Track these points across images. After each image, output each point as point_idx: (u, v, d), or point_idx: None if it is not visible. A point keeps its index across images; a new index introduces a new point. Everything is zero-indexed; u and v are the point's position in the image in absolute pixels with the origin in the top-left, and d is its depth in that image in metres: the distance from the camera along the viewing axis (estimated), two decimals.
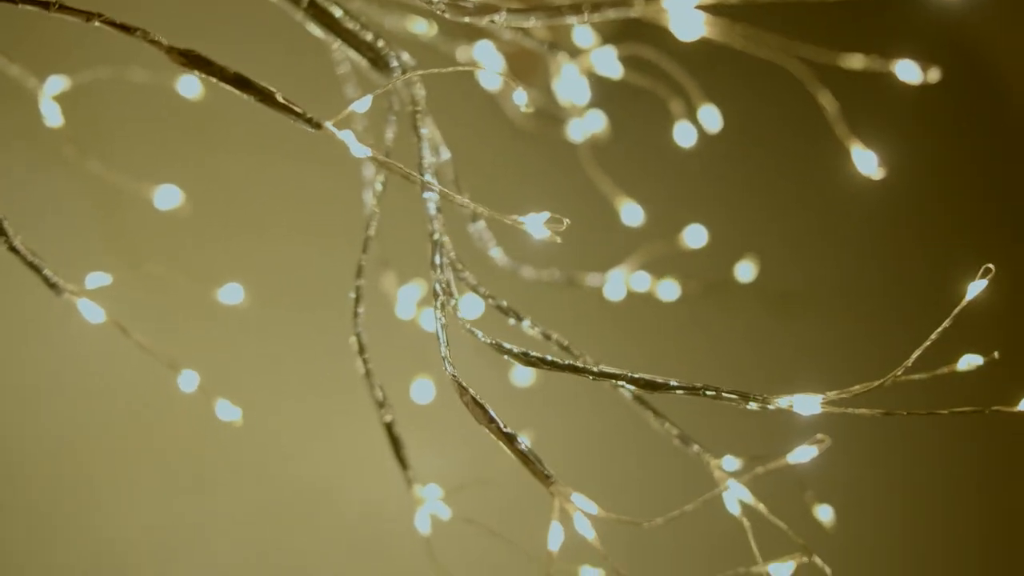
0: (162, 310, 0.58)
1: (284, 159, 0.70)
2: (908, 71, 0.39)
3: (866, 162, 0.42)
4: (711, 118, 0.55)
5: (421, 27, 0.55)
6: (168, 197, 0.55)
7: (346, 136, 0.36)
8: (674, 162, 0.61)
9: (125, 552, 0.64)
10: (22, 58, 0.52)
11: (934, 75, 0.39)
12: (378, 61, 0.44)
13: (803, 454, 0.37)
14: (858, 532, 0.71)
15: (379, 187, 0.43)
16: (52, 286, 0.44)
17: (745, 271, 0.64)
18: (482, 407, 0.36)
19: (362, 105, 0.38)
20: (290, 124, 0.37)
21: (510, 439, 0.37)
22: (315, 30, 0.44)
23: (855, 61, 0.43)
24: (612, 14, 0.33)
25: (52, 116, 0.52)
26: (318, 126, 0.37)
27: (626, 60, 0.54)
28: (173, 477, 0.66)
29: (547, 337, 0.43)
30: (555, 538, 0.35)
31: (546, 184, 0.73)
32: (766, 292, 0.73)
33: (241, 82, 0.36)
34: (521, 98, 0.36)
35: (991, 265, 0.38)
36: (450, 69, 0.39)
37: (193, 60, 0.37)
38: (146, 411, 0.67)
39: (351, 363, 0.43)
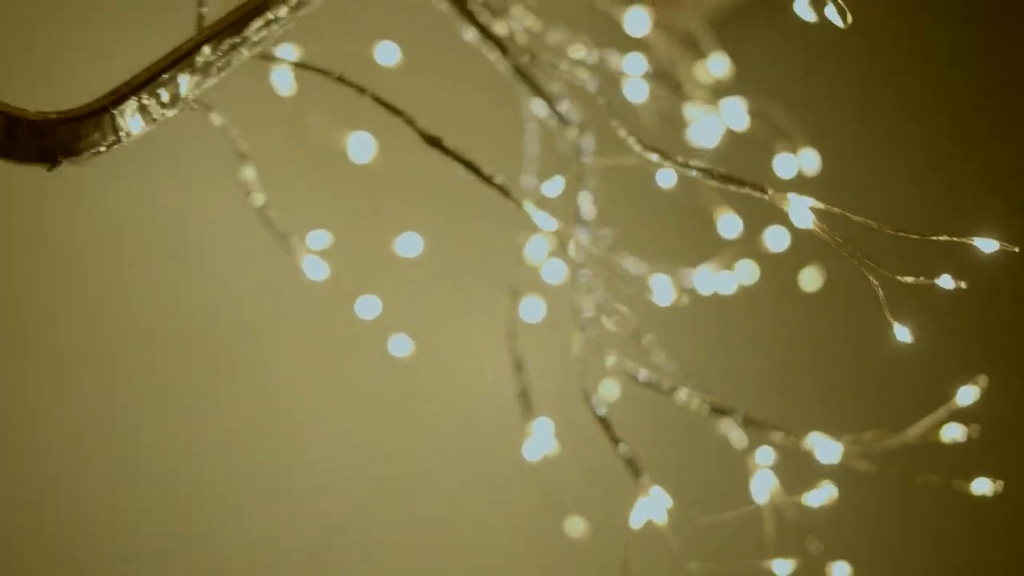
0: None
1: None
2: None
3: None
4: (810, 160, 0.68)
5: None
6: (363, 149, 0.68)
7: (538, 217, 0.50)
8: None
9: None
10: None
11: None
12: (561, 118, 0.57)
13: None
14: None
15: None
16: (287, 246, 0.59)
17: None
18: (606, 424, 0.52)
19: (554, 188, 0.51)
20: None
21: (615, 440, 0.53)
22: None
23: None
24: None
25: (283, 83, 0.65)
26: (507, 195, 0.50)
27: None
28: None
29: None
30: (637, 518, 0.51)
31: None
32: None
33: (468, 166, 0.50)
34: None
35: (985, 376, 0.52)
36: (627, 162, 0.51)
37: (434, 143, 0.50)
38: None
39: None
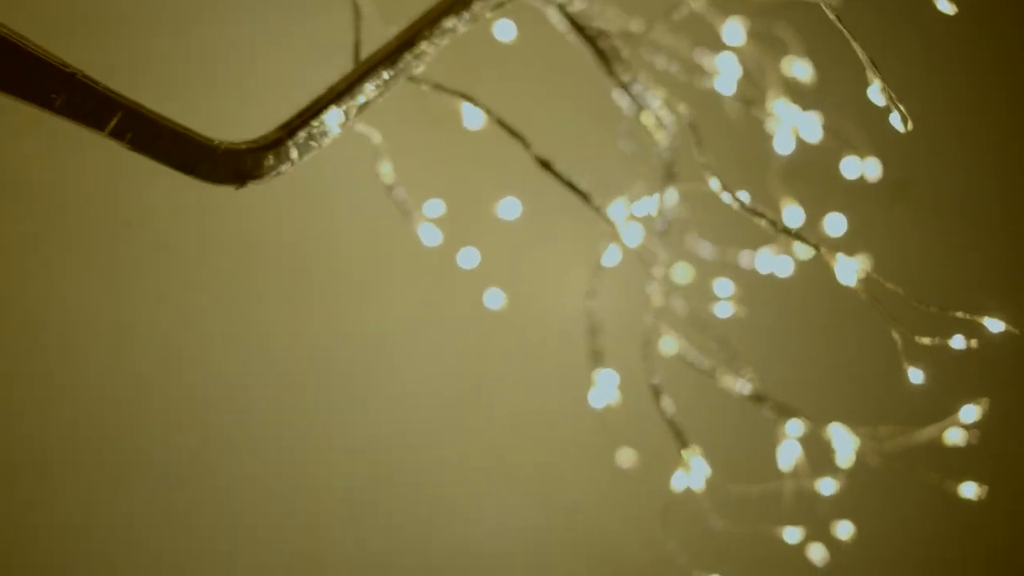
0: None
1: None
2: None
3: None
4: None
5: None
6: (474, 118, 0.77)
7: (626, 232, 0.59)
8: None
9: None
10: None
11: None
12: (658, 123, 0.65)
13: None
14: None
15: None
16: (405, 212, 0.69)
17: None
18: (657, 392, 0.62)
19: (643, 201, 0.60)
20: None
21: (663, 410, 0.63)
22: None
23: None
24: None
25: None
26: (601, 215, 0.59)
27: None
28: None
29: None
30: (679, 483, 0.62)
31: None
32: None
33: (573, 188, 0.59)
34: None
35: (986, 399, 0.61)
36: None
37: (546, 166, 0.59)
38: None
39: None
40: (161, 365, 0.86)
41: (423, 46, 0.56)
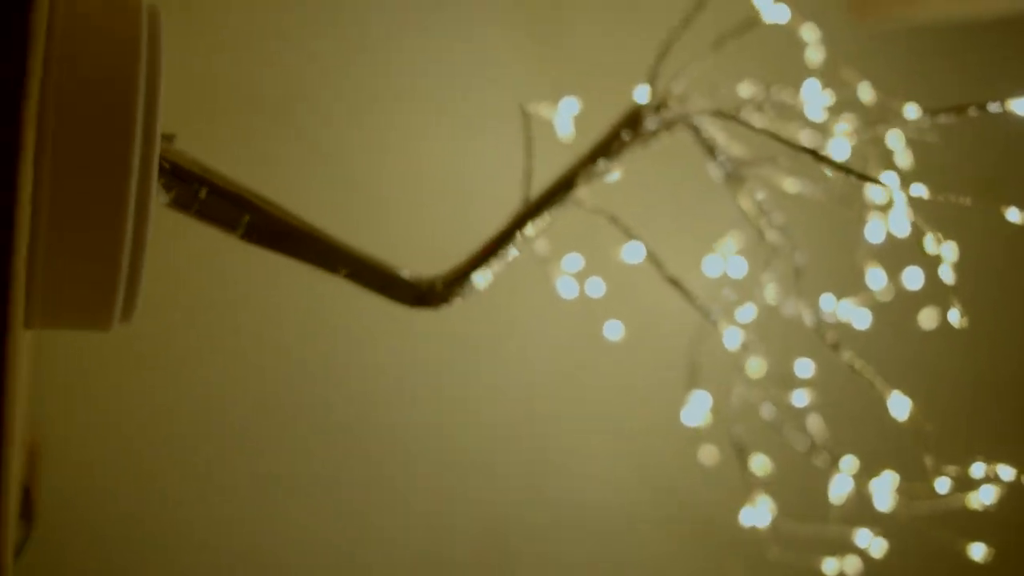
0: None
1: None
2: None
3: None
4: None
5: None
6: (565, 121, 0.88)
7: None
8: None
9: None
10: None
11: None
12: None
13: None
14: None
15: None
16: (544, 268, 0.83)
17: None
18: (740, 450, 0.78)
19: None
20: None
21: (743, 462, 0.79)
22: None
23: None
24: None
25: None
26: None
27: None
28: None
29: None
30: (746, 518, 0.79)
31: None
32: None
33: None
34: None
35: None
36: None
37: (674, 284, 0.72)
38: None
39: None
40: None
41: (579, 185, 0.69)
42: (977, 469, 0.69)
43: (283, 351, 0.96)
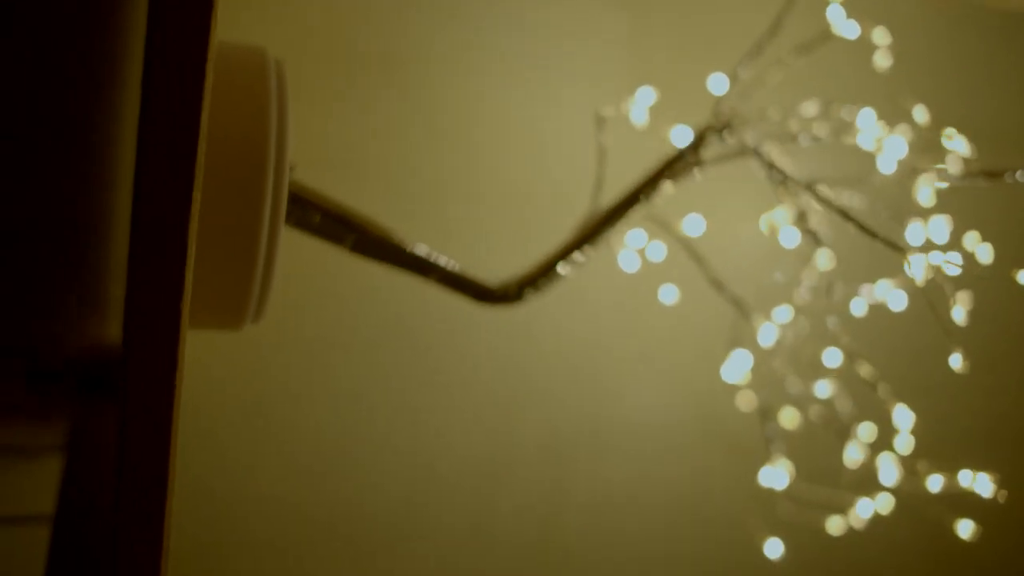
0: None
1: None
2: None
3: None
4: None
5: None
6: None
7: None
8: None
9: None
10: None
11: None
12: None
13: None
14: None
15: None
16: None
17: None
18: (763, 413, 0.89)
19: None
20: None
21: (764, 427, 0.91)
22: None
23: None
24: None
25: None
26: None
27: None
28: None
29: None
30: (764, 479, 0.91)
31: None
32: None
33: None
34: None
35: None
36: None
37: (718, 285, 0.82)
38: None
39: None
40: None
41: (642, 203, 0.78)
42: (965, 477, 0.79)
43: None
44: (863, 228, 0.69)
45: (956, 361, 0.72)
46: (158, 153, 0.45)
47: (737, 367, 0.96)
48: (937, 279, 0.69)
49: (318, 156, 1.01)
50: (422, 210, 1.06)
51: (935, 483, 0.82)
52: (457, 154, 1.07)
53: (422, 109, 1.04)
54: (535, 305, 1.11)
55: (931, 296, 0.69)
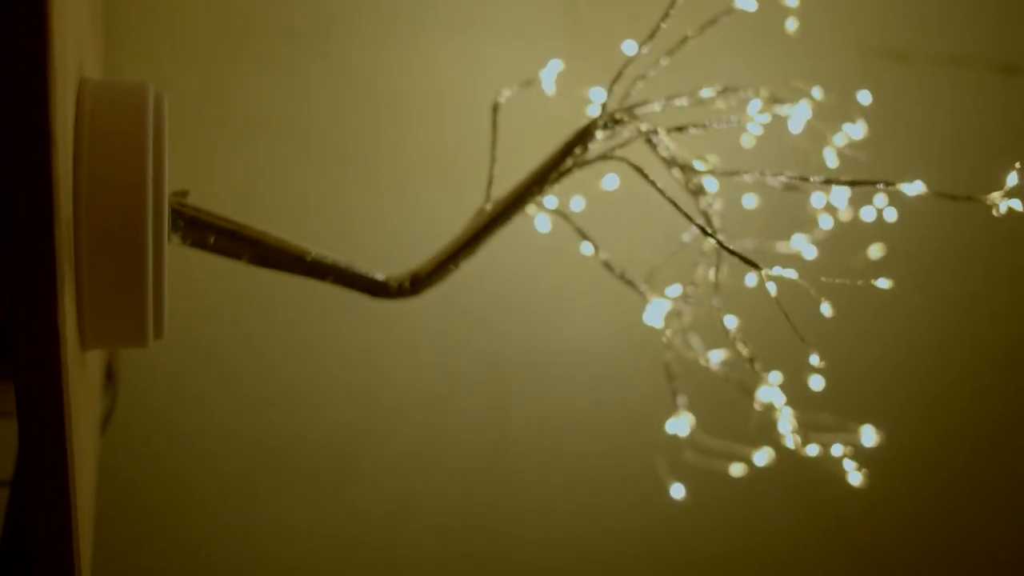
0: None
1: None
2: None
3: None
4: None
5: None
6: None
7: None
8: None
9: None
10: None
11: None
12: None
13: None
14: None
15: None
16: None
17: None
18: (669, 369, 0.95)
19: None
20: None
21: (670, 379, 0.97)
22: None
23: None
24: None
25: None
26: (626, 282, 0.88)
27: None
28: None
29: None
30: (671, 427, 0.98)
31: None
32: None
33: None
34: None
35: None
36: None
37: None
38: None
39: None
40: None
41: (529, 198, 0.82)
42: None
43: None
44: (722, 245, 0.73)
45: (814, 360, 0.76)
46: (17, 195, 0.50)
47: (655, 314, 1.01)
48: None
49: (253, 126, 1.05)
50: (353, 180, 1.10)
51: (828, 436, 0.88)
52: (388, 123, 1.10)
53: (352, 79, 1.07)
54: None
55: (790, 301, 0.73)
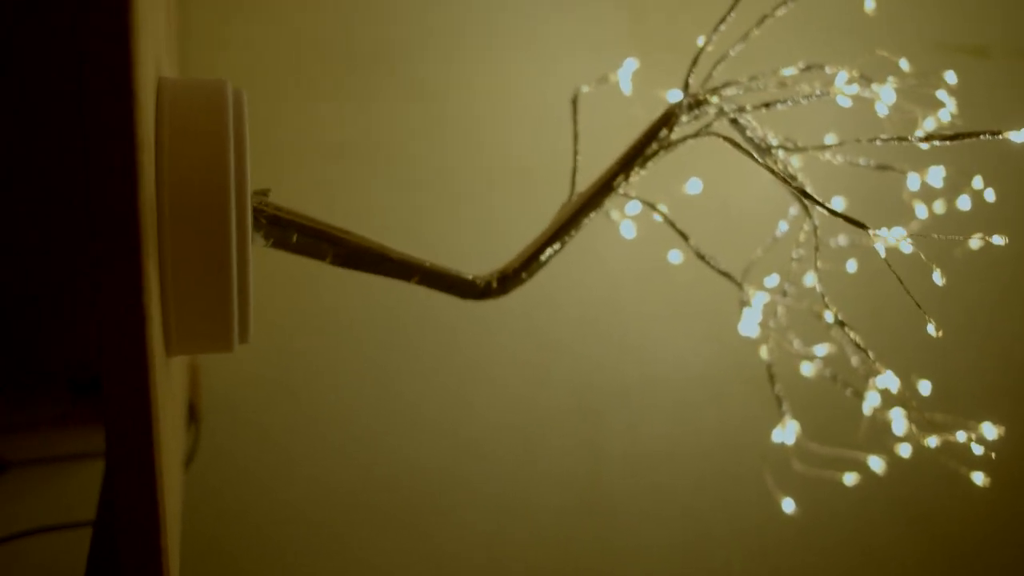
0: None
1: None
2: None
3: None
4: None
5: None
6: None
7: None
8: None
9: None
10: None
11: None
12: None
13: None
14: None
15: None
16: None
17: None
18: (771, 374, 0.90)
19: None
20: None
21: (772, 384, 0.92)
22: None
23: None
24: None
25: None
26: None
27: None
28: None
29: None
30: (776, 436, 0.92)
31: None
32: None
33: None
34: None
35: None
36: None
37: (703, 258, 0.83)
38: None
39: None
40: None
41: (616, 185, 0.79)
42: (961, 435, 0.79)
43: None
44: (826, 208, 0.69)
45: (931, 330, 0.71)
46: (99, 190, 0.49)
47: (751, 322, 0.97)
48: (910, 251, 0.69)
49: (322, 152, 1.04)
50: (429, 197, 1.08)
51: (947, 434, 0.82)
52: (460, 137, 1.09)
53: (422, 96, 1.06)
54: (551, 271, 1.14)
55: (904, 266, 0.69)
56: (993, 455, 0.81)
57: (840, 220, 0.75)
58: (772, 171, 0.72)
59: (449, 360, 1.14)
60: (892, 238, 0.67)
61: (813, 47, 1.10)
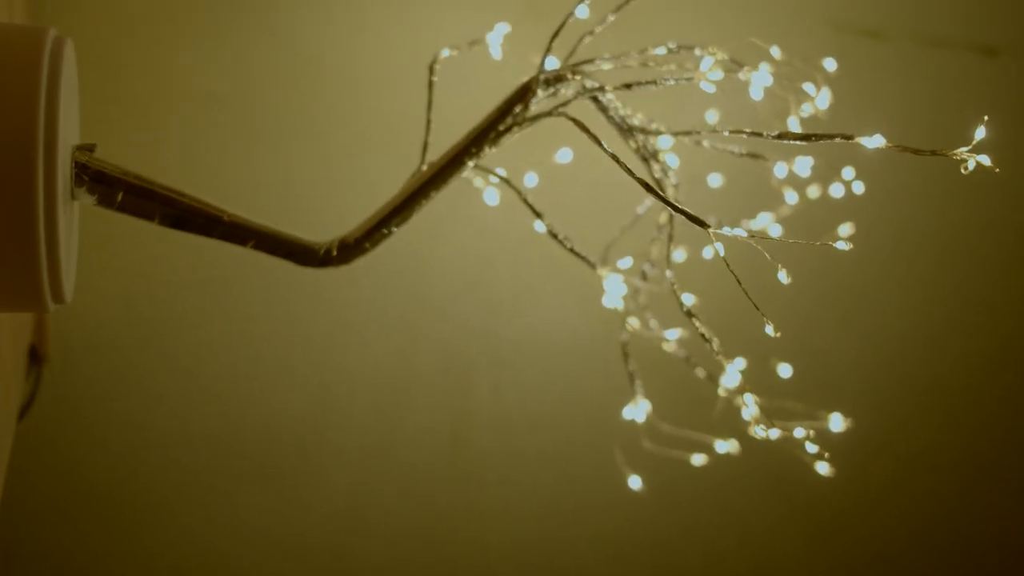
0: None
1: None
2: None
3: None
4: None
5: None
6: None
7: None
8: None
9: None
10: None
11: None
12: None
13: None
14: None
15: None
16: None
17: None
18: (625, 351, 0.89)
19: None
20: None
21: (625, 360, 0.91)
22: None
23: None
24: None
25: None
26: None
27: None
28: None
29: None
30: (627, 414, 0.92)
31: None
32: None
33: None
34: None
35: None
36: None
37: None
38: None
39: None
40: None
41: (467, 159, 0.77)
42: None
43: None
44: (668, 203, 0.68)
45: (769, 331, 0.71)
46: None
47: (615, 297, 0.96)
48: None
49: (194, 98, 1.00)
50: (301, 154, 1.05)
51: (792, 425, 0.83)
52: (336, 95, 1.05)
53: (299, 49, 1.02)
54: (424, 222, 1.12)
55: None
56: (826, 455, 0.82)
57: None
58: (616, 160, 0.70)
59: (315, 313, 1.12)
60: (734, 233, 0.66)
61: (693, 19, 1.07)
